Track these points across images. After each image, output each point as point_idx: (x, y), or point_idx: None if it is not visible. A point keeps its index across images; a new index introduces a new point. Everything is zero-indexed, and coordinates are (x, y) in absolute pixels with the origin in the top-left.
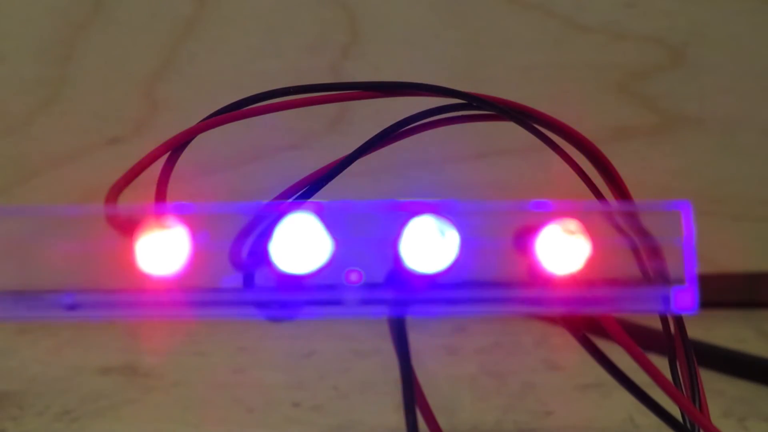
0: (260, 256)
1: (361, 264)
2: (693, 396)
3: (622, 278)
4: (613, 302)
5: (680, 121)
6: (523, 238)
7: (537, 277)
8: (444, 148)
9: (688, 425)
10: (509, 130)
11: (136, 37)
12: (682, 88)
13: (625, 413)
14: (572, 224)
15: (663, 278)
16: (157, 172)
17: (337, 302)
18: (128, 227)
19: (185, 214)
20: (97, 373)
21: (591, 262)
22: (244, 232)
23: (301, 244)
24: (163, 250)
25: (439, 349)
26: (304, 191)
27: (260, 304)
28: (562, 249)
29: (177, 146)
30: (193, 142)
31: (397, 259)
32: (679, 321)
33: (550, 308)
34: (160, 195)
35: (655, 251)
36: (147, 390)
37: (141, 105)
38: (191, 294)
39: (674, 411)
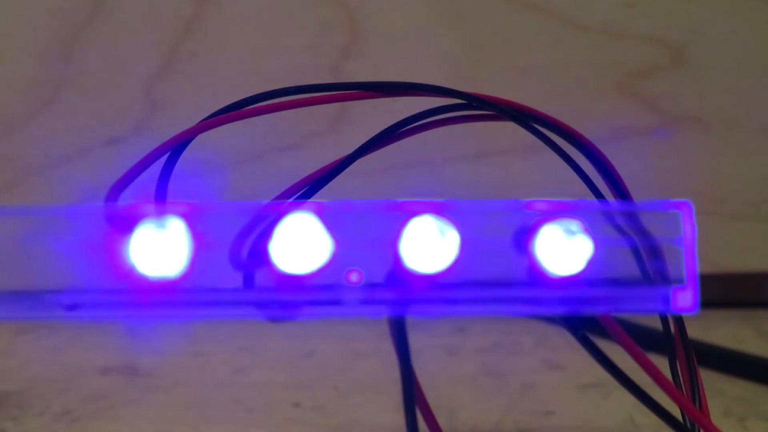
0: (260, 256)
1: (361, 264)
2: (693, 396)
3: (622, 278)
4: (613, 302)
5: (680, 121)
6: (523, 238)
7: (537, 277)
8: (444, 148)
9: (688, 425)
10: (509, 130)
11: (136, 37)
12: (682, 88)
13: (625, 413)
14: (572, 224)
15: (663, 278)
16: (157, 172)
17: (337, 302)
18: (128, 227)
19: (185, 214)
20: (97, 373)
21: (591, 262)
22: (244, 232)
23: (301, 244)
24: (163, 250)
25: (439, 349)
26: (304, 191)
27: (260, 304)
28: (562, 249)
29: (177, 146)
30: (193, 142)
31: (397, 259)
32: (679, 321)
33: (550, 308)
34: (160, 195)
35: (655, 251)
36: (147, 390)
37: (141, 105)
38: (191, 294)
39: (674, 411)
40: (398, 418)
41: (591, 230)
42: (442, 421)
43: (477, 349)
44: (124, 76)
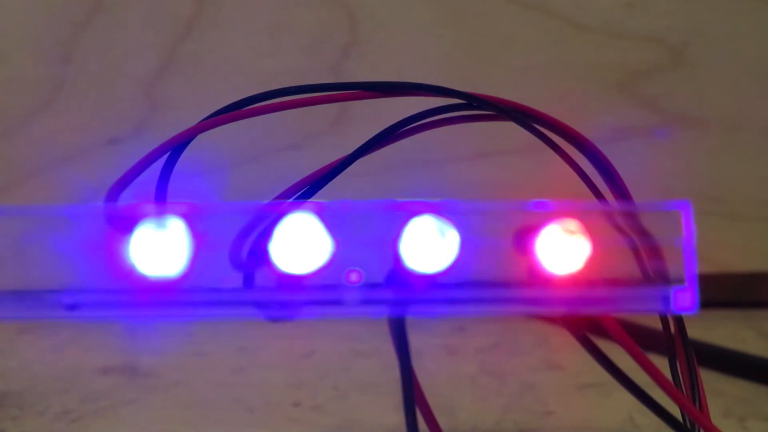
0: (260, 256)
1: (361, 264)
2: (693, 396)
3: (622, 278)
4: (613, 302)
5: (680, 121)
6: (523, 238)
7: (537, 277)
8: (444, 148)
9: (688, 425)
10: (509, 130)
11: (136, 37)
12: (682, 88)
13: (625, 413)
14: (572, 224)
15: (663, 278)
16: (157, 172)
17: (337, 302)
18: (128, 227)
19: (185, 214)
20: (97, 373)
21: (591, 262)
22: (244, 232)
23: (301, 244)
24: (162, 250)
25: (439, 349)
26: (304, 191)
27: (260, 304)
28: (562, 249)
29: (177, 146)
30: (193, 142)
31: (397, 259)
32: (679, 321)
33: (550, 308)
34: (160, 195)
35: (655, 251)
36: (147, 390)
37: (141, 105)
38: (191, 294)
39: (674, 411)
40: (398, 418)
41: (591, 230)
42: (442, 421)
43: (477, 349)
44: (124, 76)
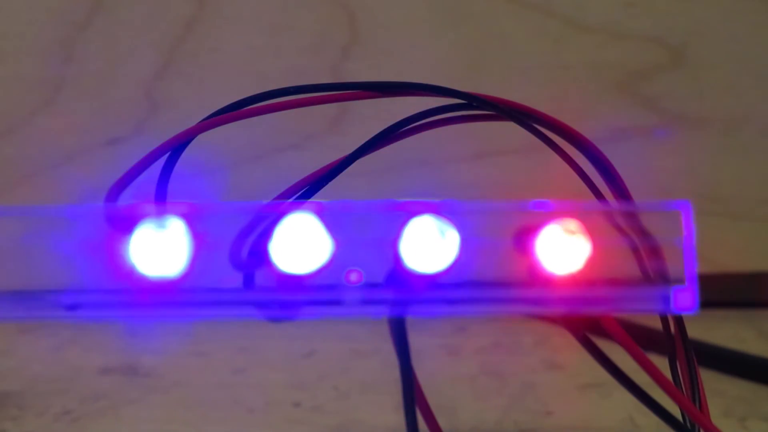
0: (260, 256)
1: (361, 264)
2: (693, 396)
3: (622, 278)
4: (613, 302)
5: (680, 121)
6: (523, 238)
7: (537, 277)
8: (444, 148)
9: (688, 425)
10: (509, 130)
11: (136, 37)
12: (682, 88)
13: (625, 413)
14: (572, 224)
15: (663, 278)
16: (157, 172)
17: (337, 302)
18: (128, 227)
19: (185, 214)
20: (97, 373)
21: (591, 262)
22: (244, 232)
23: (301, 244)
24: (162, 250)
25: (439, 349)
26: (304, 191)
27: (260, 304)
28: (562, 249)
29: (177, 146)
30: (193, 142)
31: (397, 259)
32: (679, 321)
33: (550, 308)
34: (160, 195)
35: (655, 251)
36: (147, 390)
37: (141, 105)
38: (191, 294)
39: (674, 411)
40: (398, 418)
41: (591, 230)
42: (442, 421)
43: (477, 349)
44: (124, 76)
